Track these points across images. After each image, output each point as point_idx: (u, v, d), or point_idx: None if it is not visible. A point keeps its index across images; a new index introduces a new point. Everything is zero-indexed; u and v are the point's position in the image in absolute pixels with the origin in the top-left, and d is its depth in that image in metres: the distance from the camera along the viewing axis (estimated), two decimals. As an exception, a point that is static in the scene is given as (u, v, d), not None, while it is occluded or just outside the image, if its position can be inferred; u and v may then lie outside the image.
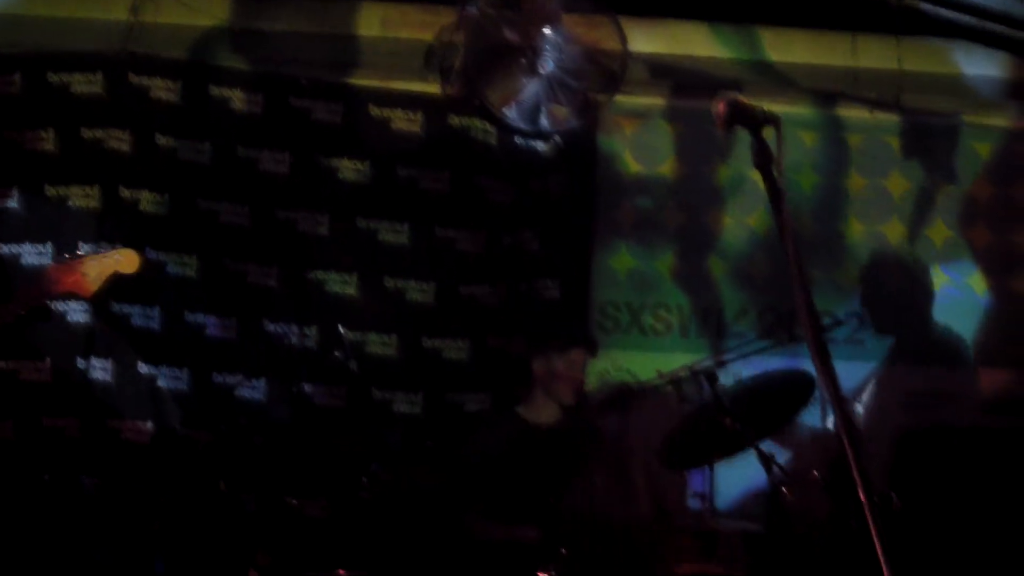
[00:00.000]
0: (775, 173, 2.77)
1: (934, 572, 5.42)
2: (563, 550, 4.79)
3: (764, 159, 2.78)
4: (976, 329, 6.91)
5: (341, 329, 5.82)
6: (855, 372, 6.76)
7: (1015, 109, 6.98)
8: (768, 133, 2.79)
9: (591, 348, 6.00)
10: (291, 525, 5.77)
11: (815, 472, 5.17)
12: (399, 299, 6.54)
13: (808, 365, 4.92)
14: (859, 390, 6.80)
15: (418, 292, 6.55)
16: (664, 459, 5.40)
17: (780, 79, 6.76)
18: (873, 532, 2.39)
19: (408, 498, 5.96)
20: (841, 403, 2.54)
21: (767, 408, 5.40)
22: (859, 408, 6.78)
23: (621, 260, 6.77)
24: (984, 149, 6.95)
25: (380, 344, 6.49)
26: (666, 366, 6.26)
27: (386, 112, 6.60)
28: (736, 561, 5.28)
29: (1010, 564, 5.56)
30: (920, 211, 6.92)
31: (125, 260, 4.63)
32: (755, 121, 2.80)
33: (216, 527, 5.74)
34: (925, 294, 6.92)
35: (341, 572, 4.95)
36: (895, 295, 6.96)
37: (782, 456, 5.46)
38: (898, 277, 6.96)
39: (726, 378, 5.73)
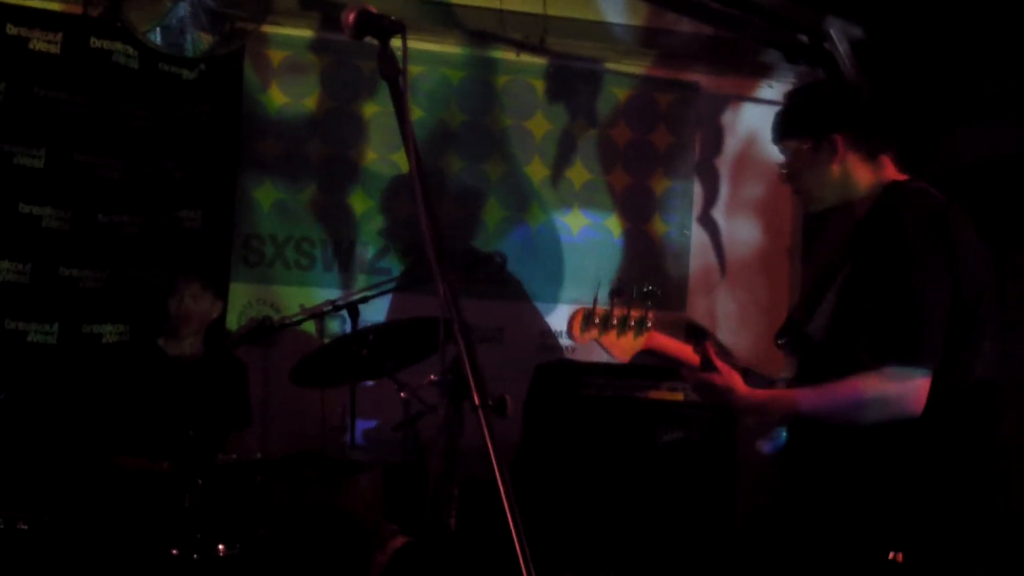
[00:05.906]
0: (401, 83, 2.81)
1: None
2: (199, 480, 4.76)
3: (391, 69, 2.82)
4: (613, 270, 7.16)
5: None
6: (496, 310, 6.93)
7: (652, 56, 7.21)
8: (396, 43, 2.82)
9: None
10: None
11: (432, 376, 5.28)
12: (34, 225, 6.28)
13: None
14: (499, 328, 6.97)
15: (55, 219, 6.31)
16: (295, 376, 5.41)
17: (428, 16, 6.75)
18: (486, 435, 2.45)
19: (41, 429, 5.84)
20: (461, 324, 2.58)
21: (404, 343, 5.47)
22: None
23: (265, 192, 6.71)
24: (622, 94, 7.18)
25: (13, 272, 6.23)
26: (309, 300, 6.31)
27: (24, 31, 6.27)
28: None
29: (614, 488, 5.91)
30: (561, 153, 7.10)
31: None
32: (383, 30, 2.84)
33: None
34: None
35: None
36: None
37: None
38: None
39: (368, 314, 5.82)
